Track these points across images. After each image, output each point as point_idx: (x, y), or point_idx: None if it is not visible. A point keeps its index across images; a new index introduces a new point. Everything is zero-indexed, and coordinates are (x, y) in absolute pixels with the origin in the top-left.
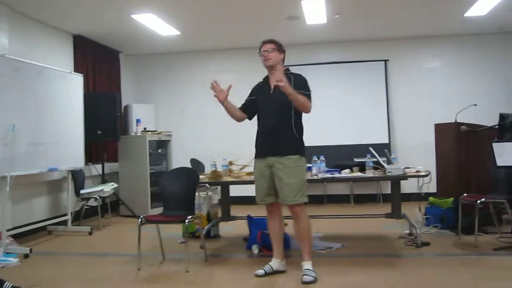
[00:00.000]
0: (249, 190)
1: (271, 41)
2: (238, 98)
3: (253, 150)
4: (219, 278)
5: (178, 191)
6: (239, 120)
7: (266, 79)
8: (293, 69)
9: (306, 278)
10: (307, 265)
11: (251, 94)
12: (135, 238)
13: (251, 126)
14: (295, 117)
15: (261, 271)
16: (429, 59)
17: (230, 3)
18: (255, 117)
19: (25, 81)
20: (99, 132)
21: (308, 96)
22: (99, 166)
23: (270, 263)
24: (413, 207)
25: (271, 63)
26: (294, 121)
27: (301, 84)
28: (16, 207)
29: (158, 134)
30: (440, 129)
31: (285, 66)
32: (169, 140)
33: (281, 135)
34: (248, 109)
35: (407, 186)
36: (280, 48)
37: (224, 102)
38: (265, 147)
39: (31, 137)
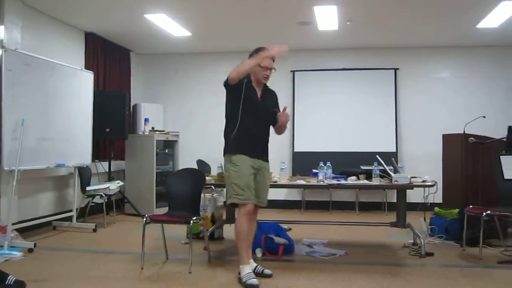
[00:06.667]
0: None
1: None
2: None
3: None
4: (222, 280)
5: (184, 192)
6: (238, 78)
7: (249, 81)
8: (303, 74)
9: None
10: None
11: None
12: (139, 236)
13: None
14: None
15: (256, 280)
16: (439, 69)
17: (241, 6)
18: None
19: (36, 76)
20: (107, 129)
21: None
22: (105, 164)
23: (253, 269)
24: (418, 216)
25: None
26: None
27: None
28: (22, 202)
29: (165, 134)
30: (448, 139)
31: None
32: (176, 141)
33: (266, 142)
34: (240, 88)
35: (413, 196)
36: None
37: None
38: (257, 149)
39: (40, 132)
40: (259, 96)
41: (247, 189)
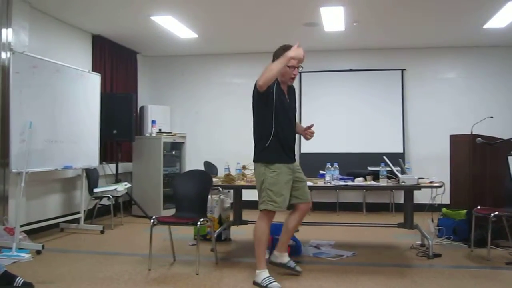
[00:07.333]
0: None
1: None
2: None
3: None
4: (229, 281)
5: (191, 194)
6: (267, 86)
7: (278, 83)
8: (310, 75)
9: None
10: None
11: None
12: (146, 238)
13: None
14: None
15: (277, 284)
16: (446, 69)
17: (248, 8)
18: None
19: (43, 78)
20: (114, 131)
21: None
22: (113, 166)
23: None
24: (425, 217)
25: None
26: None
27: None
28: (30, 204)
29: (172, 135)
30: (456, 140)
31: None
32: (183, 142)
33: (295, 142)
34: (271, 93)
35: (420, 197)
36: None
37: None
38: (291, 153)
39: (48, 134)
40: (286, 97)
41: (282, 196)
